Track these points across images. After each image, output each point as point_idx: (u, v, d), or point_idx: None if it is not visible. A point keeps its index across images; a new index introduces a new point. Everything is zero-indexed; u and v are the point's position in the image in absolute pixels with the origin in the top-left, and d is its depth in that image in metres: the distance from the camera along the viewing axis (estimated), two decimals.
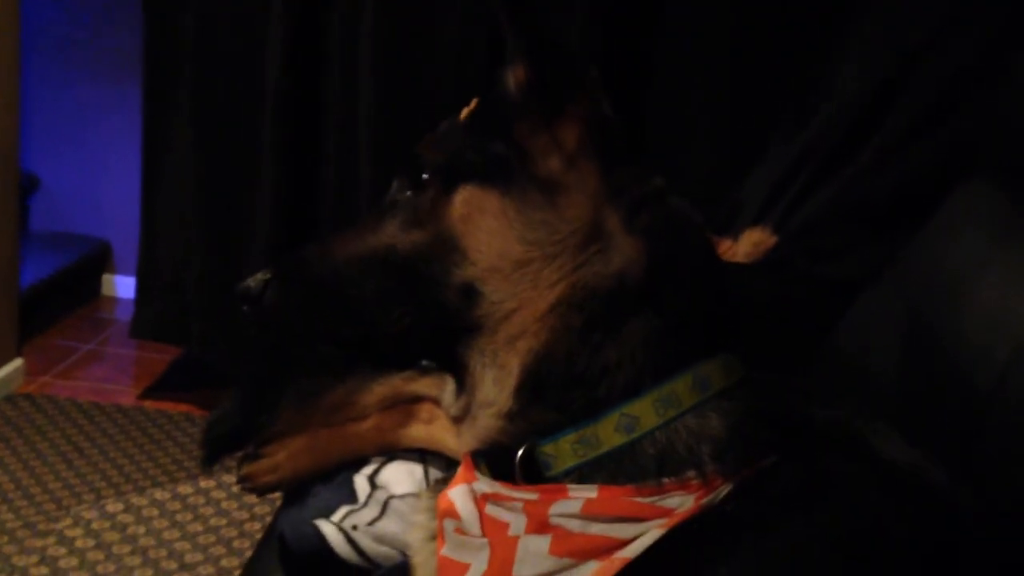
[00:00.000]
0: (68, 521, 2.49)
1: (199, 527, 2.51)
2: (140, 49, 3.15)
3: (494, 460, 0.90)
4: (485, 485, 0.90)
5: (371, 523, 1.30)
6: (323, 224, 2.81)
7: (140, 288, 3.12)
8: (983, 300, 1.06)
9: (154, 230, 3.08)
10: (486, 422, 0.91)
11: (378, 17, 2.56)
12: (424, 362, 1.23)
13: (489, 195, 0.91)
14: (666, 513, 0.81)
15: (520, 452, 0.86)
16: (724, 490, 0.82)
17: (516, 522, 0.86)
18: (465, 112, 1.06)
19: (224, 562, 2.40)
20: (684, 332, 0.88)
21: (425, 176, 0.94)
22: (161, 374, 3.36)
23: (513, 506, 0.86)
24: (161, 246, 3.07)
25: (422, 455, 1.36)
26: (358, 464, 1.38)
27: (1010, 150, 1.29)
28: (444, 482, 0.98)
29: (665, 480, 0.83)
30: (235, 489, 2.54)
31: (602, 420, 0.85)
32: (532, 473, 0.86)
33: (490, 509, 0.88)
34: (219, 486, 2.65)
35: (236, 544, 2.46)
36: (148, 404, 3.15)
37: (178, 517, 2.54)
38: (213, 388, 3.16)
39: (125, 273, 3.84)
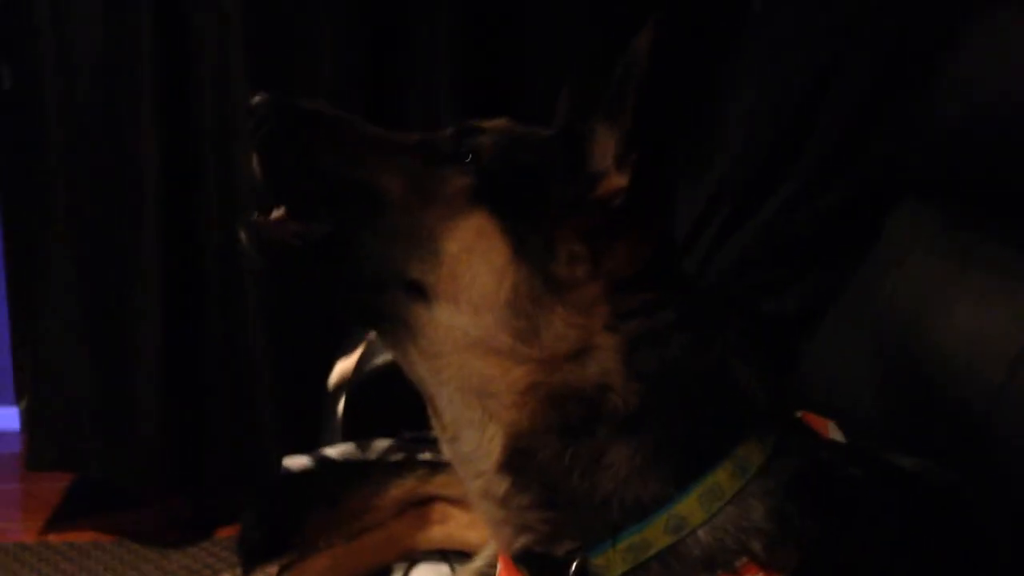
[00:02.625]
0: None
1: None
2: None
3: (533, 564, 0.90)
4: None
5: None
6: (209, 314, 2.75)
7: (29, 419, 2.98)
8: (961, 317, 1.09)
9: (34, 354, 2.94)
10: (495, 513, 0.90)
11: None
12: (428, 456, 1.23)
13: (499, 245, 0.87)
14: None
15: (573, 566, 0.86)
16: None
17: None
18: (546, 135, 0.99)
19: None
20: (701, 438, 0.87)
21: (467, 158, 0.92)
22: (57, 505, 3.20)
23: None
24: (44, 369, 2.94)
25: (444, 554, 1.35)
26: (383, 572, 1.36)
27: (933, 164, 1.30)
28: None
29: (718, 573, 0.83)
30: None
31: (650, 523, 0.85)
32: None
33: None
34: None
35: None
36: (52, 538, 3.00)
37: None
38: (116, 510, 3.04)
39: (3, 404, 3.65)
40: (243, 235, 0.93)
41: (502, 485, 0.88)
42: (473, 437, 0.89)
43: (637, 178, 0.87)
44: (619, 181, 0.89)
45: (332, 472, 1.38)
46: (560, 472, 0.86)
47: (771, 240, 1.47)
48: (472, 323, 0.86)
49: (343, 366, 1.73)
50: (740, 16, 1.71)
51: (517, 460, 0.87)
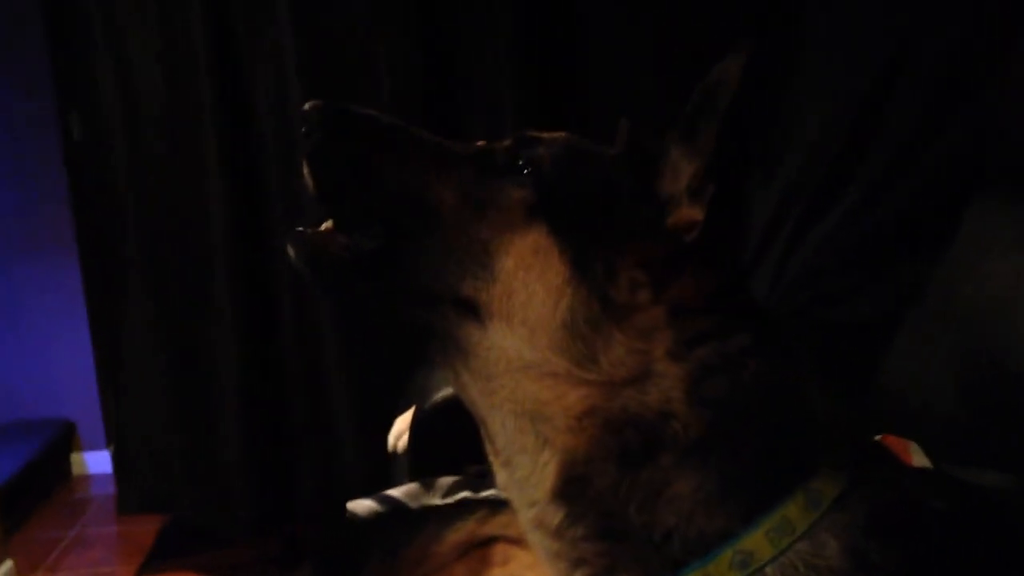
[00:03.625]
0: None
1: None
2: (71, 220, 3.11)
3: None
4: None
5: None
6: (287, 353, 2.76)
7: (118, 464, 3.03)
8: None
9: (119, 402, 3.00)
10: (549, 544, 0.86)
11: None
12: (491, 493, 1.20)
13: (557, 264, 0.83)
14: None
15: None
16: None
17: None
18: (615, 149, 0.95)
19: None
20: (771, 469, 0.82)
21: (526, 170, 0.88)
22: (152, 546, 3.25)
23: None
24: (129, 416, 2.99)
25: None
26: None
27: (1015, 155, 1.24)
28: None
29: None
30: None
31: (714, 559, 0.80)
32: None
33: None
34: None
35: None
36: None
37: None
38: (209, 549, 3.08)
39: (93, 448, 3.74)
40: (290, 248, 0.90)
41: (556, 515, 0.84)
42: (526, 463, 0.85)
43: (712, 212, 0.84)
44: (693, 214, 0.85)
45: (391, 520, 1.35)
46: (617, 502, 0.82)
47: (843, 243, 1.42)
48: (526, 344, 0.83)
49: (401, 425, 1.71)
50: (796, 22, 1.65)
51: (572, 488, 0.83)
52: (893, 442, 1.04)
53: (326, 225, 0.91)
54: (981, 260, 1.17)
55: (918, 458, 1.06)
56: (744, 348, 0.84)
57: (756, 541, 0.79)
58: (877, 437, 0.98)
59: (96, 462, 3.74)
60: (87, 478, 3.78)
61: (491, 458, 0.91)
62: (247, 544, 3.06)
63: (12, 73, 3.59)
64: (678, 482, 0.81)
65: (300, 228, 0.91)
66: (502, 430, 0.86)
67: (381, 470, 2.19)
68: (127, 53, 2.59)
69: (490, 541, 1.29)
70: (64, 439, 3.76)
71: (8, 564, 2.97)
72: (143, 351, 2.86)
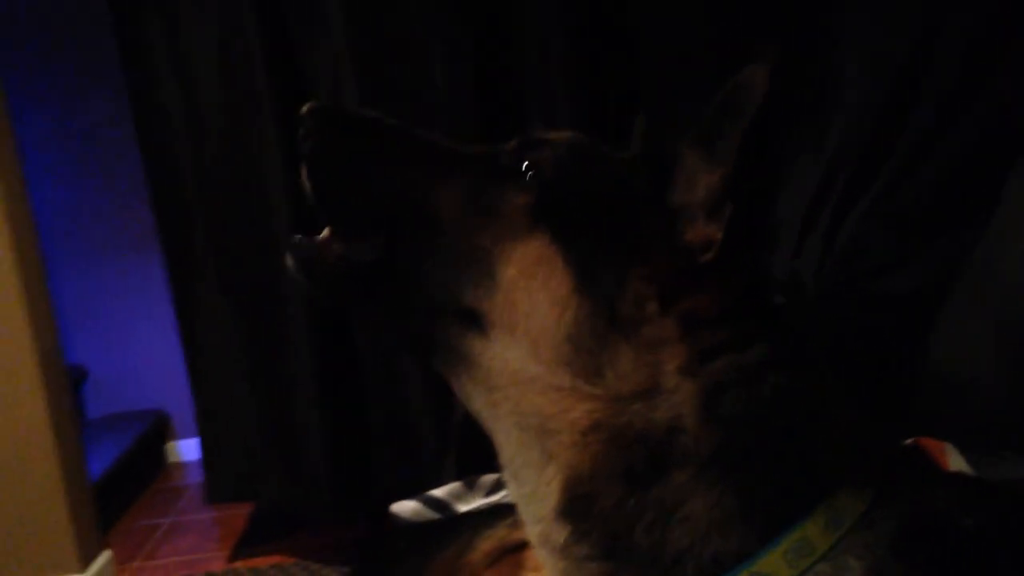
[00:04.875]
0: None
1: None
2: (152, 217, 3.16)
3: None
4: None
5: None
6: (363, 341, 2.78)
7: (206, 454, 3.10)
8: None
9: (206, 393, 3.07)
10: (554, 563, 0.83)
11: None
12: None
13: (560, 274, 0.80)
14: None
15: None
16: None
17: None
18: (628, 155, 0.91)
19: None
20: (789, 487, 0.78)
21: (529, 172, 0.84)
22: (244, 531, 3.33)
23: None
24: (216, 406, 3.06)
25: None
26: None
27: None
28: None
29: None
30: None
31: None
32: None
33: None
34: None
35: None
36: (239, 564, 3.11)
37: None
38: (296, 534, 3.14)
39: (186, 436, 3.85)
40: (288, 257, 0.88)
41: (561, 533, 0.82)
42: (531, 478, 0.83)
43: (731, 230, 0.79)
44: (709, 231, 0.81)
45: (427, 526, 1.34)
46: (623, 522, 0.78)
47: (887, 215, 1.37)
48: (530, 356, 0.80)
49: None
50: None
51: (577, 506, 0.80)
52: (929, 444, 0.99)
53: (324, 234, 0.89)
54: (1019, 236, 1.11)
55: (955, 460, 1.01)
56: (762, 360, 0.80)
57: (773, 563, 0.75)
58: (910, 441, 0.93)
59: (190, 450, 3.85)
60: (182, 466, 3.90)
61: (502, 469, 0.89)
62: (335, 529, 3.11)
63: (88, 73, 3.68)
64: (691, 501, 0.77)
65: (298, 236, 0.89)
66: (507, 443, 0.84)
67: (461, 458, 2.19)
68: (185, 48, 2.63)
69: (522, 546, 1.28)
70: (158, 429, 3.88)
71: (107, 554, 3.07)
72: (222, 342, 2.93)
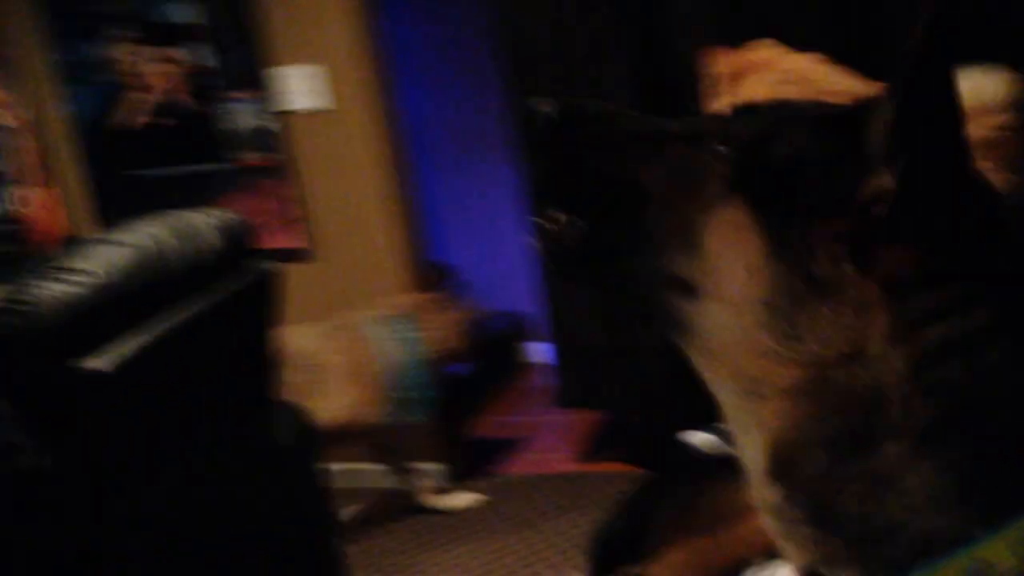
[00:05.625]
0: None
1: None
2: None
3: None
4: None
5: None
6: None
7: (560, 359, 3.21)
8: None
9: (559, 301, 3.16)
10: (772, 524, 0.83)
11: None
12: None
13: (754, 240, 0.80)
14: None
15: None
16: None
17: None
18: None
19: None
20: (1018, 468, 0.72)
21: (728, 143, 0.85)
22: (594, 438, 3.42)
23: None
24: (568, 315, 3.15)
25: None
26: (741, 568, 1.32)
27: None
28: None
29: None
30: None
31: (946, 565, 0.71)
32: None
33: None
34: None
35: None
36: (589, 468, 3.22)
37: None
38: (639, 444, 3.18)
39: (540, 340, 3.98)
40: (534, 239, 0.95)
41: (774, 495, 0.81)
42: (746, 440, 0.84)
43: (906, 176, 0.73)
44: (883, 181, 0.74)
45: (686, 471, 1.33)
46: (829, 490, 0.77)
47: None
48: (734, 322, 0.81)
49: None
50: None
51: (782, 470, 0.80)
52: None
53: (556, 214, 0.92)
54: None
55: None
56: (987, 326, 0.73)
57: (996, 551, 0.70)
58: None
59: (544, 352, 3.98)
60: (537, 367, 4.04)
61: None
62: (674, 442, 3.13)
63: None
64: (904, 475, 0.73)
65: (538, 218, 0.93)
66: (725, 406, 0.86)
67: None
68: None
69: None
70: (516, 331, 4.04)
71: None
72: None
